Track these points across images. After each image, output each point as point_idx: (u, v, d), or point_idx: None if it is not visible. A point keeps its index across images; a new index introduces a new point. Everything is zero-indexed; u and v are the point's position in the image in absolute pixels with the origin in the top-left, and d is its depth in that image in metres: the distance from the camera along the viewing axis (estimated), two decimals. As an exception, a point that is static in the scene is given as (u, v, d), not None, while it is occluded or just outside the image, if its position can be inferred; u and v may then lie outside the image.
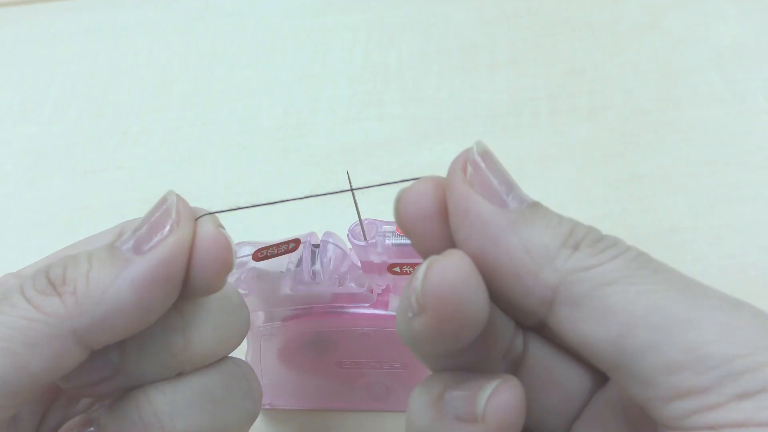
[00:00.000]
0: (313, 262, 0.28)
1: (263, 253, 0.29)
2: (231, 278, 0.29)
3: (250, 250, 0.29)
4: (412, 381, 0.31)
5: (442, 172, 0.44)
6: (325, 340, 0.30)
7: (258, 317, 0.30)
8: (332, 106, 0.50)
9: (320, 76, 0.52)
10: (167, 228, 0.20)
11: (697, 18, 0.51)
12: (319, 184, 0.45)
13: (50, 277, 0.20)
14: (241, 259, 0.29)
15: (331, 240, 0.29)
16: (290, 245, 0.29)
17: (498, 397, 0.19)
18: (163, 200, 0.21)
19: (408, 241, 0.27)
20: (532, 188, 0.41)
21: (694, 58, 0.49)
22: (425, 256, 0.19)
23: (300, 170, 0.46)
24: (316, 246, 0.29)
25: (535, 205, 0.19)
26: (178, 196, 0.21)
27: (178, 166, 0.47)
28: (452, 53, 0.52)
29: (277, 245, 0.29)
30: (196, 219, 0.21)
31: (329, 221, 0.30)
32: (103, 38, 0.58)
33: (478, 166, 0.20)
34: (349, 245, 0.28)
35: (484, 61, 0.51)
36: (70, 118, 0.51)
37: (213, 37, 0.57)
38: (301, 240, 0.29)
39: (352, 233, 0.27)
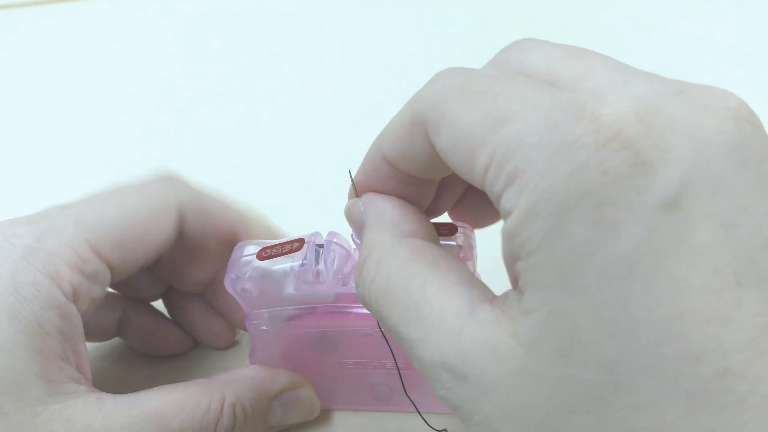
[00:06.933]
0: (317, 261, 0.28)
1: (267, 252, 0.29)
2: (234, 277, 0.29)
3: (254, 249, 0.29)
4: (415, 381, 0.31)
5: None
6: (328, 339, 0.30)
7: (262, 316, 0.30)
8: (332, 107, 0.50)
9: (320, 77, 0.52)
10: None
11: (697, 19, 0.51)
12: (320, 186, 0.45)
13: None
14: (245, 258, 0.29)
15: (335, 240, 0.29)
16: (294, 245, 0.29)
17: None
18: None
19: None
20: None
21: (694, 59, 0.49)
22: None
23: (300, 171, 0.46)
24: (320, 246, 0.29)
25: None
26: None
27: (179, 167, 0.47)
28: (453, 54, 0.52)
29: (281, 245, 0.29)
30: None
31: (333, 221, 0.30)
32: (103, 39, 0.58)
33: None
34: (353, 245, 0.28)
35: (484, 62, 0.51)
36: (70, 120, 0.51)
37: (213, 37, 0.57)
38: (305, 240, 0.29)
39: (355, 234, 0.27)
